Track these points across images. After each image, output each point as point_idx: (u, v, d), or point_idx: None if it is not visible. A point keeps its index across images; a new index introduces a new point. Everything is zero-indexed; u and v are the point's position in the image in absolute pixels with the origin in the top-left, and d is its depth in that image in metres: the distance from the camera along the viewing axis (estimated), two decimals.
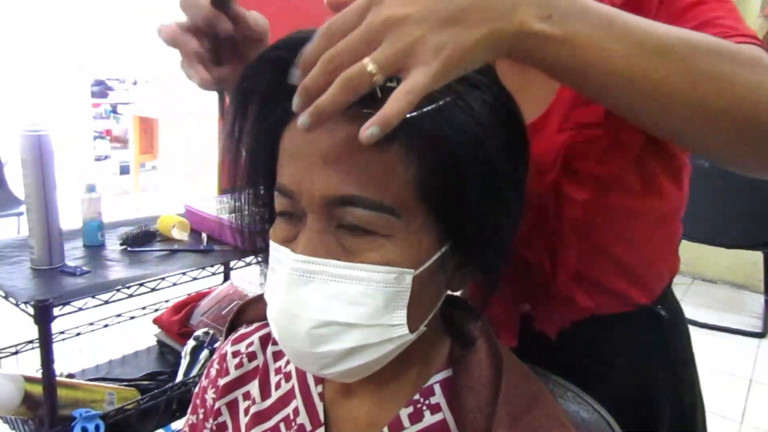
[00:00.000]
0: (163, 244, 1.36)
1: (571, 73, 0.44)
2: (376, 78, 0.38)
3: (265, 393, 0.61)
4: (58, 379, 1.11)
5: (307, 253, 0.47)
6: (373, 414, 0.55)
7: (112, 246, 1.31)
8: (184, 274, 1.24)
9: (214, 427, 0.63)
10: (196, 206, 1.44)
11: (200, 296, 1.54)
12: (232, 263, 1.52)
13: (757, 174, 0.50)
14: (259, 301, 0.67)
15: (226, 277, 1.64)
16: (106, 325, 1.50)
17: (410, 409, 0.54)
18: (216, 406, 0.63)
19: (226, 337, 0.68)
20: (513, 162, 0.51)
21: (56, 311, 1.04)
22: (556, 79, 0.45)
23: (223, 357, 0.65)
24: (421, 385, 0.55)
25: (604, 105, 0.47)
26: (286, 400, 0.59)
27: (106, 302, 1.13)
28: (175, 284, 1.24)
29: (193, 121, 4.04)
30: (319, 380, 0.58)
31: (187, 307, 1.51)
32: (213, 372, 0.66)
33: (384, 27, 0.38)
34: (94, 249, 1.29)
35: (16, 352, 1.32)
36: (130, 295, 1.16)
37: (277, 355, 0.63)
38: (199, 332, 1.39)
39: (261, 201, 0.57)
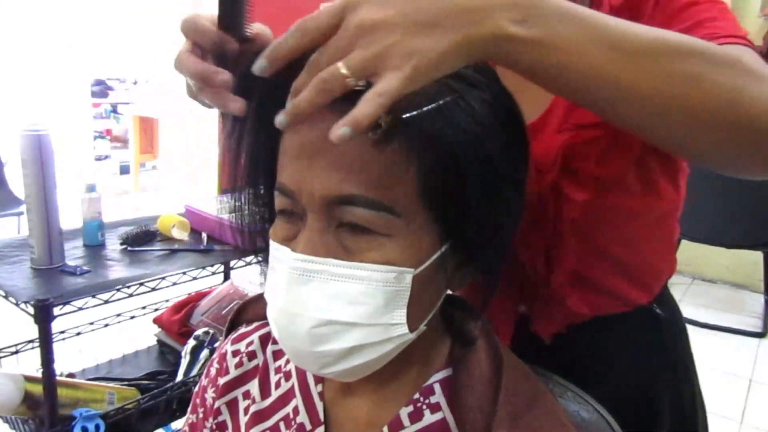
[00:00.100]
0: (163, 243, 1.36)
1: (547, 76, 0.44)
2: (348, 81, 0.39)
3: (264, 392, 0.61)
4: (58, 378, 1.11)
5: (307, 253, 0.47)
6: (372, 413, 0.55)
7: (112, 246, 1.31)
8: (184, 273, 1.24)
9: (214, 426, 0.63)
10: (196, 206, 1.44)
11: (200, 296, 1.54)
12: (232, 263, 1.52)
13: (743, 175, 0.50)
14: (259, 300, 0.67)
15: (226, 277, 1.65)
16: (106, 325, 1.50)
17: (410, 408, 0.54)
18: (216, 405, 0.63)
19: (226, 337, 0.68)
20: (513, 162, 0.51)
21: (56, 311, 1.04)
22: (535, 82, 0.45)
23: (223, 356, 0.65)
24: (421, 384, 0.55)
25: (585, 107, 0.47)
26: (285, 399, 0.59)
27: (106, 302, 1.13)
28: (175, 284, 1.24)
29: (193, 121, 4.04)
30: (318, 379, 0.58)
31: (187, 306, 1.51)
32: (213, 371, 0.66)
33: (358, 31, 0.39)
34: (94, 249, 1.30)
35: (17, 352, 1.32)
36: (130, 295, 1.16)
37: (277, 354, 0.63)
38: (199, 332, 1.39)
39: (261, 200, 0.57)
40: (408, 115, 0.43)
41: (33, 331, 1.05)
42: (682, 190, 0.72)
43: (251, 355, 0.64)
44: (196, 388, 0.68)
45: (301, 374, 0.59)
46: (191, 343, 1.37)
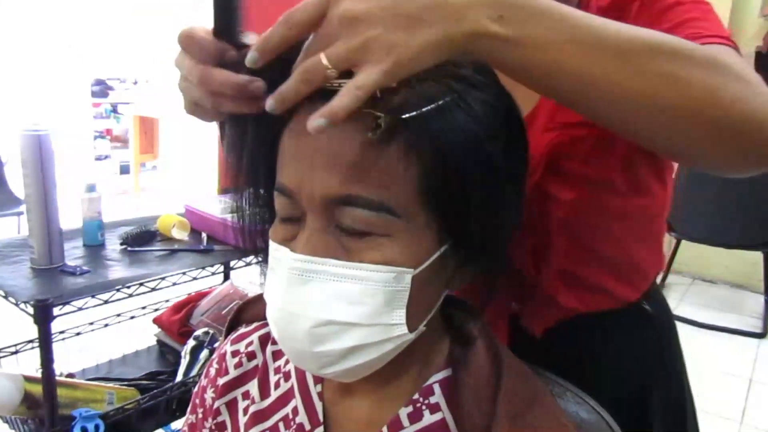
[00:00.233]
0: (163, 243, 1.36)
1: (525, 73, 0.44)
2: (329, 72, 0.40)
3: (264, 392, 0.61)
4: (57, 378, 1.11)
5: (307, 253, 0.47)
6: (372, 413, 0.55)
7: (112, 246, 1.31)
8: (184, 273, 1.24)
9: (213, 427, 0.63)
10: (196, 206, 1.44)
11: (200, 296, 1.54)
12: (232, 263, 1.52)
13: (725, 173, 0.51)
14: (259, 300, 0.67)
15: (226, 277, 1.65)
16: (106, 325, 1.50)
17: (410, 408, 0.54)
18: (215, 406, 0.63)
19: (225, 337, 0.68)
20: (513, 161, 0.51)
21: (56, 311, 1.04)
22: (515, 79, 0.45)
23: (223, 356, 0.65)
24: (420, 384, 0.55)
25: (565, 105, 0.47)
26: (285, 399, 0.59)
27: (106, 302, 1.13)
28: (175, 284, 1.24)
29: (193, 121, 4.04)
30: (318, 380, 0.58)
31: (187, 306, 1.52)
32: (212, 371, 0.66)
33: (340, 23, 0.40)
34: (94, 249, 1.30)
35: (16, 352, 1.32)
36: (130, 295, 1.16)
37: (277, 355, 0.63)
38: (199, 332, 1.39)
39: (261, 201, 0.57)
40: (408, 115, 0.43)
41: (33, 331, 1.05)
42: (669, 188, 0.73)
43: (251, 356, 0.64)
44: (196, 389, 0.68)
45: (301, 374, 0.59)
46: (191, 343, 1.37)
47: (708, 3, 0.59)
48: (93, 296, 1.09)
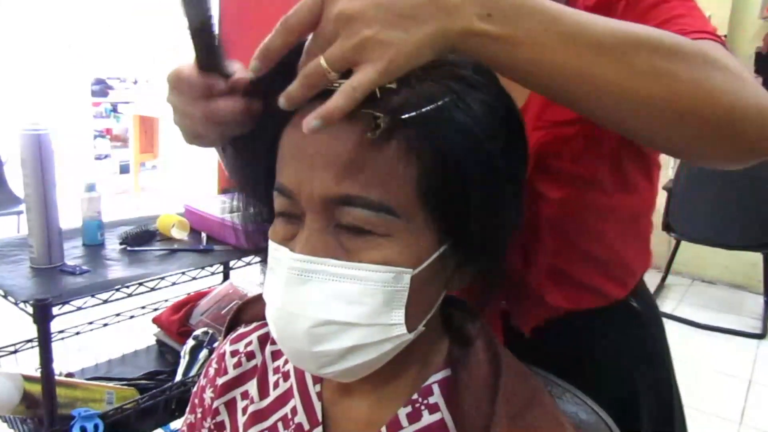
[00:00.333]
0: (162, 243, 1.36)
1: (514, 71, 0.45)
2: (330, 76, 0.41)
3: (263, 392, 0.61)
4: (57, 378, 1.11)
5: (306, 253, 0.47)
6: (371, 413, 0.55)
7: (112, 245, 1.31)
8: (183, 273, 1.24)
9: (212, 427, 0.63)
10: (195, 206, 1.44)
11: (200, 296, 1.54)
12: (231, 263, 1.52)
13: (714, 165, 0.52)
14: (258, 300, 0.67)
15: (226, 277, 1.65)
16: (105, 325, 1.50)
17: (408, 408, 0.54)
18: (214, 406, 0.63)
19: (224, 337, 0.68)
20: (512, 161, 0.51)
21: (55, 310, 1.04)
22: (505, 76, 0.46)
23: (222, 356, 0.65)
24: (419, 384, 0.55)
25: (555, 101, 0.48)
26: (284, 399, 0.59)
27: (106, 301, 1.13)
28: (174, 284, 1.24)
29: None
30: (317, 379, 0.58)
31: (186, 306, 1.52)
32: (211, 371, 0.66)
33: (336, 23, 0.41)
34: (94, 248, 1.30)
35: (15, 351, 1.32)
36: (130, 295, 1.16)
37: (276, 355, 0.63)
38: (198, 332, 1.39)
39: (261, 200, 0.57)
40: (407, 115, 0.43)
41: (32, 330, 1.05)
42: (656, 186, 0.74)
43: (250, 356, 0.64)
44: (195, 388, 0.68)
45: (300, 374, 0.59)
46: (190, 343, 1.37)
47: (693, 0, 0.60)
48: (92, 296, 1.09)
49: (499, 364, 0.54)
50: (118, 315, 1.52)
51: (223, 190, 1.79)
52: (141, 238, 1.34)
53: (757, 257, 3.12)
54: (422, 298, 0.49)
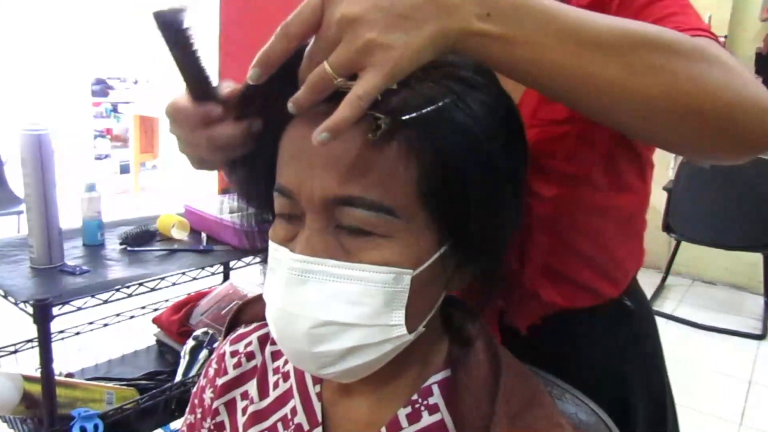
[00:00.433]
0: (162, 243, 1.36)
1: (514, 70, 0.45)
2: (337, 82, 0.41)
3: (263, 393, 0.61)
4: (57, 378, 1.11)
5: (306, 253, 0.47)
6: (371, 414, 0.55)
7: (112, 245, 1.31)
8: (183, 273, 1.24)
9: (212, 427, 0.63)
10: (195, 206, 1.44)
11: (200, 296, 1.54)
12: (231, 263, 1.52)
13: (714, 160, 0.52)
14: (258, 301, 0.67)
15: (226, 277, 1.65)
16: (105, 325, 1.50)
17: (408, 409, 0.54)
18: (214, 406, 0.63)
19: (224, 337, 0.68)
20: (512, 161, 0.51)
21: (55, 310, 1.04)
22: (505, 75, 0.46)
23: (222, 357, 0.65)
24: (419, 385, 0.55)
25: (555, 100, 0.49)
26: (284, 399, 0.59)
27: (106, 302, 1.13)
28: (174, 284, 1.24)
29: None
30: (317, 380, 0.58)
31: (186, 306, 1.52)
32: (211, 372, 0.66)
33: (339, 27, 0.41)
34: (94, 248, 1.30)
35: (15, 351, 1.32)
36: (130, 295, 1.16)
37: (276, 355, 0.63)
38: (198, 332, 1.39)
39: (261, 201, 0.57)
40: (407, 116, 0.43)
41: (32, 330, 1.05)
42: (650, 185, 0.74)
43: (250, 356, 0.64)
44: (195, 389, 0.68)
45: (300, 375, 0.59)
46: (190, 343, 1.37)
47: None
48: (92, 296, 1.09)
49: (499, 364, 0.54)
50: (118, 315, 1.52)
51: (223, 190, 1.79)
52: (141, 239, 1.34)
53: (758, 258, 3.12)
54: (422, 298, 0.49)
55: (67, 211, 1.34)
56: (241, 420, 0.61)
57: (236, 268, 1.56)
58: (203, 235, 1.39)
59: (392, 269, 0.46)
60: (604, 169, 0.67)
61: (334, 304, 0.46)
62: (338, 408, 0.57)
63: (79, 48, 4.94)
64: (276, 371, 0.62)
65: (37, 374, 1.08)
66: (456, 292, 0.56)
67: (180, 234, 1.38)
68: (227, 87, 0.54)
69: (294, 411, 0.58)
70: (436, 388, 0.55)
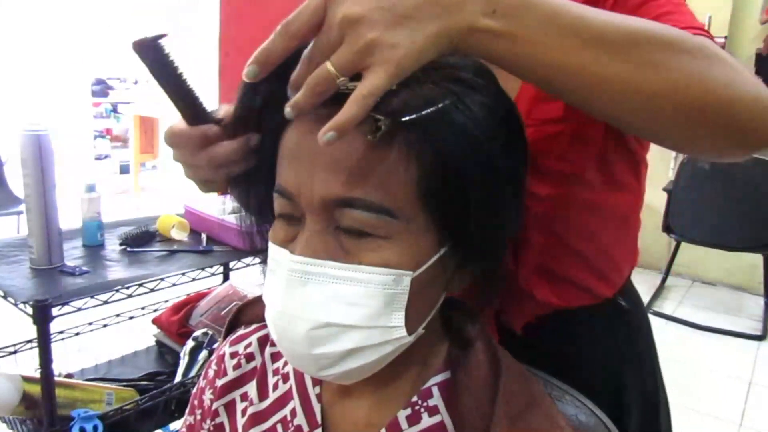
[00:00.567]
0: (162, 244, 1.36)
1: (516, 66, 0.45)
2: (339, 81, 0.41)
3: (262, 394, 0.61)
4: (56, 379, 1.11)
5: (306, 255, 0.47)
6: (371, 416, 0.55)
7: (112, 246, 1.31)
8: (183, 274, 1.24)
9: (212, 428, 0.63)
10: (195, 206, 1.44)
11: (199, 297, 1.54)
12: (231, 264, 1.52)
13: (713, 157, 0.52)
14: (258, 302, 0.67)
15: (226, 278, 1.65)
16: (105, 325, 1.50)
17: (408, 411, 0.54)
18: (213, 407, 0.63)
19: (224, 338, 0.68)
20: (512, 162, 0.51)
21: (55, 311, 1.04)
22: (510, 72, 0.46)
23: (221, 358, 0.65)
24: (419, 386, 0.55)
25: (557, 96, 0.49)
26: (283, 401, 0.59)
27: (105, 302, 1.12)
28: (174, 285, 1.24)
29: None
30: (316, 381, 0.58)
31: (186, 307, 1.51)
32: (211, 373, 0.66)
33: (341, 27, 0.40)
34: (94, 249, 1.30)
35: (15, 352, 1.32)
36: (130, 296, 1.16)
37: (275, 356, 0.63)
38: (198, 333, 1.39)
39: (261, 202, 0.57)
40: (407, 118, 0.43)
41: (31, 331, 1.05)
42: (643, 184, 0.74)
43: (249, 357, 0.64)
44: (194, 390, 0.68)
45: (299, 376, 0.59)
46: (190, 343, 1.37)
47: None
48: (92, 297, 1.09)
49: (499, 365, 0.54)
50: (117, 316, 1.51)
51: (223, 191, 1.79)
52: (141, 239, 1.34)
53: (758, 258, 3.12)
54: (422, 300, 0.49)
55: (67, 212, 1.34)
56: (240, 421, 0.61)
57: (236, 269, 1.56)
58: (203, 235, 1.39)
59: (392, 271, 0.46)
60: (598, 168, 0.67)
61: (334, 305, 0.46)
62: (338, 409, 0.57)
63: (79, 48, 4.94)
64: (276, 372, 0.62)
65: (37, 375, 1.08)
66: (456, 293, 0.56)
67: (180, 234, 1.38)
68: (222, 110, 0.55)
69: (294, 412, 0.58)
70: (435, 390, 0.54)
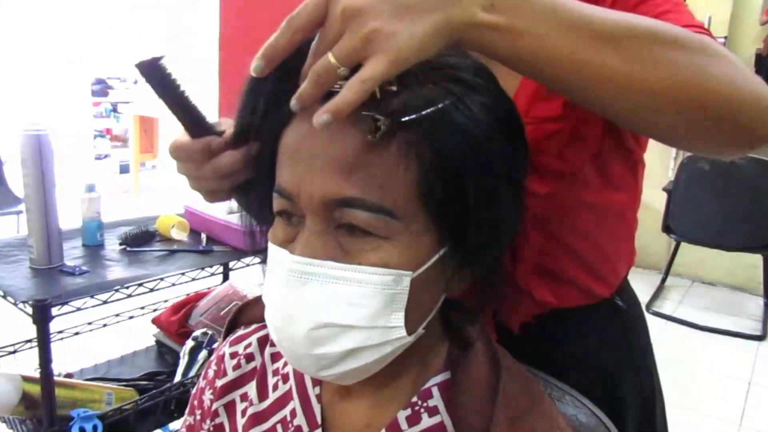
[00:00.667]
0: (162, 244, 1.36)
1: (516, 61, 0.45)
2: (341, 72, 0.41)
3: (262, 394, 0.61)
4: (56, 378, 1.11)
5: (306, 255, 0.47)
6: (370, 416, 0.55)
7: (112, 246, 1.31)
8: (183, 274, 1.24)
9: (212, 429, 0.63)
10: (195, 206, 1.44)
11: (199, 296, 1.54)
12: (231, 264, 1.52)
13: (713, 153, 0.52)
14: (258, 302, 0.67)
15: (225, 278, 1.65)
16: (104, 325, 1.50)
17: (408, 411, 0.54)
18: (213, 408, 0.63)
19: (224, 338, 0.68)
20: (512, 164, 0.51)
21: (55, 311, 1.04)
22: (510, 67, 0.46)
23: (221, 358, 0.65)
24: (419, 387, 0.55)
25: (558, 92, 0.49)
26: (283, 401, 0.59)
27: (105, 302, 1.12)
28: (174, 284, 1.24)
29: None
30: (316, 382, 0.58)
31: (185, 307, 1.51)
32: (211, 373, 0.66)
33: (343, 19, 0.41)
34: (94, 249, 1.30)
35: (15, 352, 1.32)
36: (129, 295, 1.16)
37: (275, 357, 0.63)
38: (197, 332, 1.39)
39: (261, 202, 0.57)
40: (407, 118, 0.43)
41: (31, 330, 1.05)
42: (641, 183, 0.74)
43: (249, 357, 0.64)
44: (194, 390, 0.68)
45: (299, 377, 0.59)
46: (190, 343, 1.37)
47: None
48: (92, 296, 1.09)
49: (499, 366, 0.54)
50: (117, 315, 1.51)
51: None
52: (141, 239, 1.34)
53: (757, 259, 3.12)
54: (422, 300, 0.49)
55: (67, 212, 1.34)
56: (240, 422, 0.61)
57: (236, 269, 1.56)
58: (203, 235, 1.39)
59: (392, 271, 0.46)
60: (595, 167, 0.68)
61: (334, 305, 0.46)
62: (338, 410, 0.57)
63: (79, 48, 4.94)
64: (275, 373, 0.62)
65: (36, 375, 1.08)
66: (455, 294, 0.56)
67: (180, 234, 1.38)
68: (223, 124, 0.56)
69: (293, 413, 0.58)
70: (435, 390, 0.54)
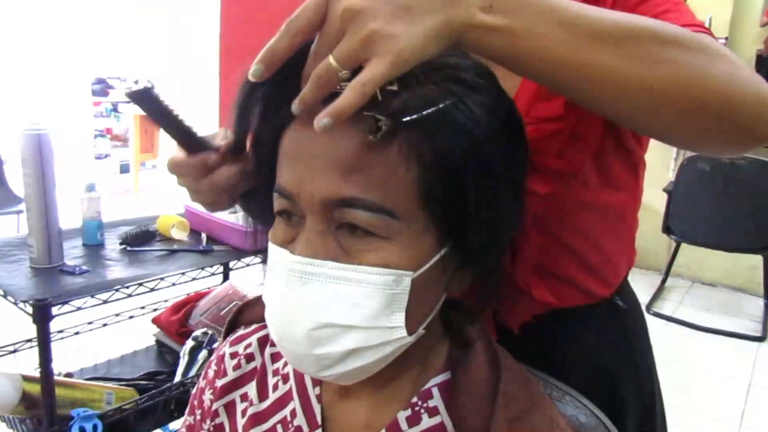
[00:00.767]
0: (162, 243, 1.36)
1: (516, 62, 0.45)
2: (342, 74, 0.41)
3: (262, 394, 0.61)
4: (56, 378, 1.11)
5: (306, 255, 0.47)
6: (370, 416, 0.55)
7: (112, 245, 1.31)
8: (183, 274, 1.24)
9: (212, 429, 0.63)
10: (195, 206, 1.44)
11: (199, 296, 1.54)
12: (231, 263, 1.52)
13: (713, 152, 0.53)
14: (258, 302, 0.67)
15: (226, 278, 1.65)
16: (104, 325, 1.50)
17: (408, 411, 0.54)
18: (213, 408, 0.63)
19: (224, 338, 0.68)
20: (513, 164, 0.51)
21: (55, 310, 1.04)
22: (509, 69, 0.46)
23: (221, 358, 0.65)
24: (419, 387, 0.55)
25: (557, 92, 0.49)
26: (283, 401, 0.59)
27: (105, 302, 1.13)
28: (174, 284, 1.24)
29: (193, 121, 4.04)
30: (316, 382, 0.58)
31: (186, 307, 1.51)
32: (211, 373, 0.66)
33: (343, 20, 0.41)
34: (94, 248, 1.30)
35: (15, 351, 1.32)
36: (129, 295, 1.16)
37: (275, 357, 0.63)
38: (197, 332, 1.39)
39: (262, 202, 0.57)
40: (408, 118, 0.43)
41: (31, 330, 1.05)
42: (641, 183, 0.74)
43: (249, 357, 0.64)
44: (194, 390, 0.68)
45: (299, 377, 0.59)
46: (190, 343, 1.37)
47: None
48: (92, 296, 1.09)
49: (499, 366, 0.54)
50: (117, 315, 1.51)
51: None
52: (141, 239, 1.34)
53: (757, 260, 3.12)
54: (422, 300, 0.49)
55: (67, 211, 1.34)
56: (240, 422, 0.61)
57: (236, 269, 1.56)
58: (203, 235, 1.39)
59: (392, 271, 0.46)
60: (596, 167, 0.67)
61: (334, 305, 0.46)
62: (338, 410, 0.57)
63: (79, 48, 4.94)
64: (276, 373, 0.62)
65: (37, 374, 1.08)
66: (456, 294, 0.56)
67: (180, 234, 1.38)
68: (218, 137, 0.57)
69: (294, 413, 0.58)
70: (435, 391, 0.54)
